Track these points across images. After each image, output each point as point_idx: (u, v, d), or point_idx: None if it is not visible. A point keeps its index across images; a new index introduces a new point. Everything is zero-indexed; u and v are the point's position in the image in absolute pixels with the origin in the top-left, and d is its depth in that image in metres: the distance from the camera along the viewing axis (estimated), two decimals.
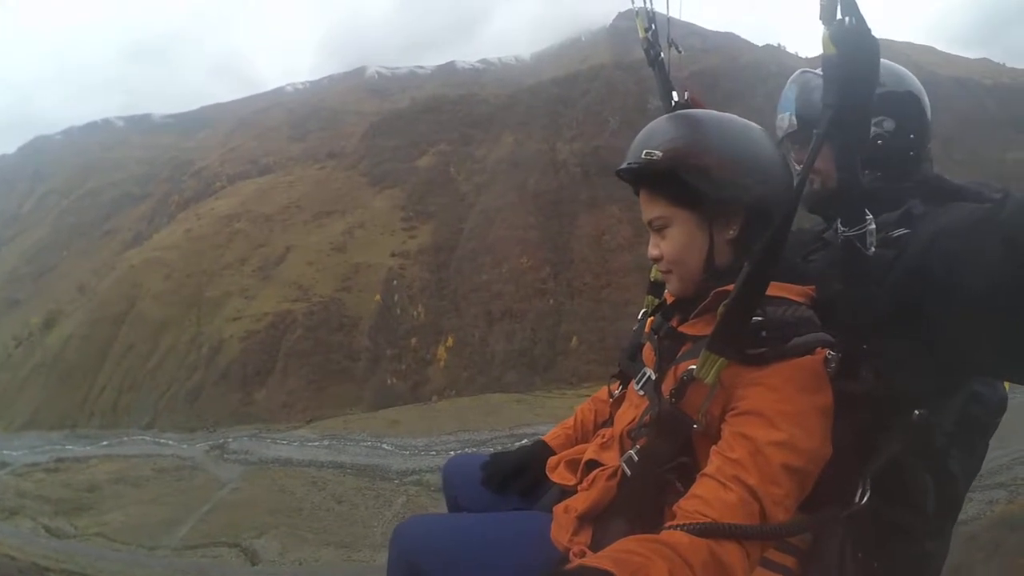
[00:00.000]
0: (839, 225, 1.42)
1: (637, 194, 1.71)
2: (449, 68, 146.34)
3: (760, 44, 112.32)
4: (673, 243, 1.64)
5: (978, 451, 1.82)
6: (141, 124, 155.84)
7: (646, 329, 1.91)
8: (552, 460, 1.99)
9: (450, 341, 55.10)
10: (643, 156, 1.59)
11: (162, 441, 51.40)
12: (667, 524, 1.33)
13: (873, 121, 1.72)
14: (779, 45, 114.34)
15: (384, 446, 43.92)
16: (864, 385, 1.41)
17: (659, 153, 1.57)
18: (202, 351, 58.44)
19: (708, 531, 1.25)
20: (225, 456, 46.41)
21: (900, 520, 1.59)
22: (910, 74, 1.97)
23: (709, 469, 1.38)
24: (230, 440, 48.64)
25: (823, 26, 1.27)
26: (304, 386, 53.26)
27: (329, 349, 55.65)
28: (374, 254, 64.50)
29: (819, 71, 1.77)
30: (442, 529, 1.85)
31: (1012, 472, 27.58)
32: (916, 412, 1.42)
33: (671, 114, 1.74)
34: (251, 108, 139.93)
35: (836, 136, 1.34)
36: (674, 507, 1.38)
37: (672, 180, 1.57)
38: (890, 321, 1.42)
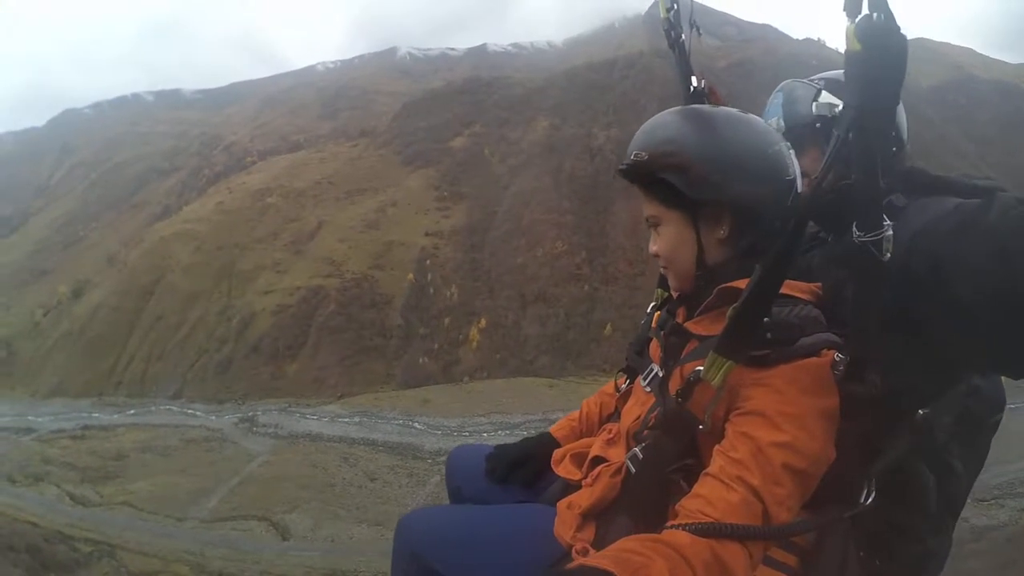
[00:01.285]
0: (855, 229, 1.36)
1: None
2: (480, 51, 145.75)
3: (799, 38, 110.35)
4: (665, 241, 1.66)
5: (979, 448, 1.79)
6: (170, 99, 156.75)
7: (653, 324, 1.89)
8: (558, 453, 1.99)
9: (483, 323, 54.27)
10: (632, 157, 1.59)
11: (190, 412, 51.17)
12: (669, 523, 1.34)
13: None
14: (819, 39, 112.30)
15: (416, 425, 43.46)
16: (870, 388, 1.39)
17: (645, 155, 1.57)
18: (232, 323, 58.13)
19: (710, 531, 1.27)
20: (254, 429, 46.07)
21: (902, 519, 1.61)
22: None
23: (712, 469, 1.39)
24: (259, 413, 48.31)
25: (847, 19, 1.22)
26: (335, 362, 52.68)
27: (361, 326, 55.07)
28: (407, 233, 63.78)
29: (807, 81, 2.04)
30: (447, 522, 1.87)
31: None
32: (920, 412, 1.46)
33: (663, 113, 1.67)
34: (280, 86, 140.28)
35: (856, 138, 1.29)
36: (676, 506, 1.40)
37: (654, 178, 1.58)
38: (891, 320, 1.40)
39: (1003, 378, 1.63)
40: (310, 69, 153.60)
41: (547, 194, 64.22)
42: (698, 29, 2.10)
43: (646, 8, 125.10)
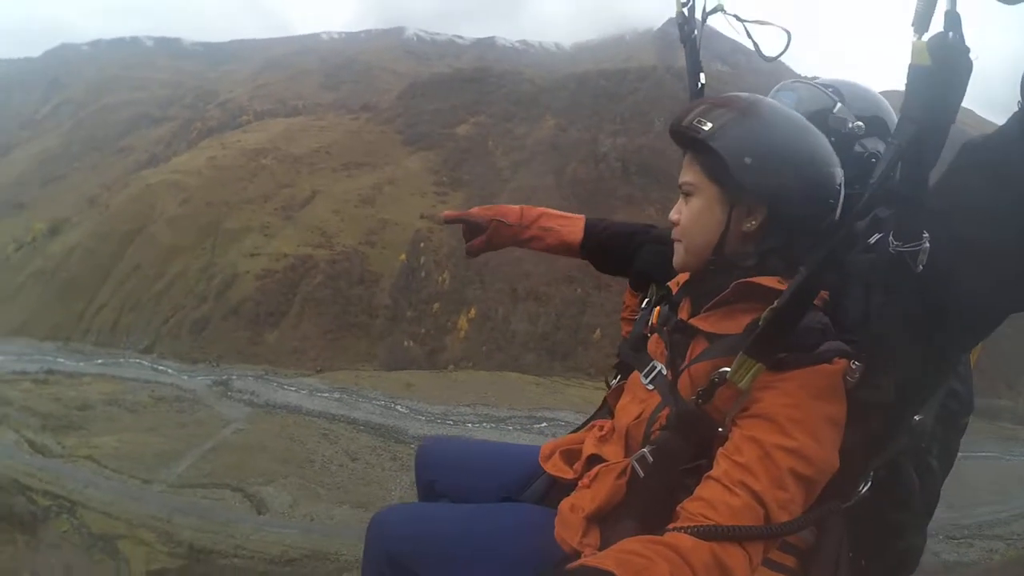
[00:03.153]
0: (892, 239, 1.36)
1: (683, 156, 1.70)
2: (488, 43, 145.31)
3: (808, 74, 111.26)
4: (692, 212, 1.65)
5: (952, 448, 1.83)
6: (169, 47, 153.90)
7: (652, 320, 1.84)
8: (546, 448, 1.96)
9: (472, 313, 53.47)
10: (694, 123, 1.58)
11: (160, 368, 49.46)
12: (670, 526, 1.35)
13: (866, 141, 1.80)
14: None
15: (399, 408, 42.43)
16: (882, 394, 1.42)
17: (708, 124, 1.56)
18: (213, 282, 56.52)
19: (711, 533, 1.27)
20: (229, 393, 44.71)
21: (892, 518, 1.64)
22: (884, 99, 2.08)
23: (715, 472, 1.39)
24: (234, 377, 46.92)
25: (913, 35, 1.23)
26: (318, 334, 51.60)
27: (348, 301, 54.02)
28: (402, 213, 62.49)
29: (816, 86, 2.06)
30: (430, 520, 1.83)
31: (1009, 527, 30.73)
32: (916, 417, 1.49)
33: (735, 93, 1.65)
34: (283, 50, 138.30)
35: (912, 152, 1.30)
36: (678, 508, 1.40)
37: (707, 149, 1.56)
38: (908, 322, 1.42)
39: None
40: (314, 37, 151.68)
41: (548, 193, 63.33)
42: (735, 16, 2.00)
43: (659, 25, 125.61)
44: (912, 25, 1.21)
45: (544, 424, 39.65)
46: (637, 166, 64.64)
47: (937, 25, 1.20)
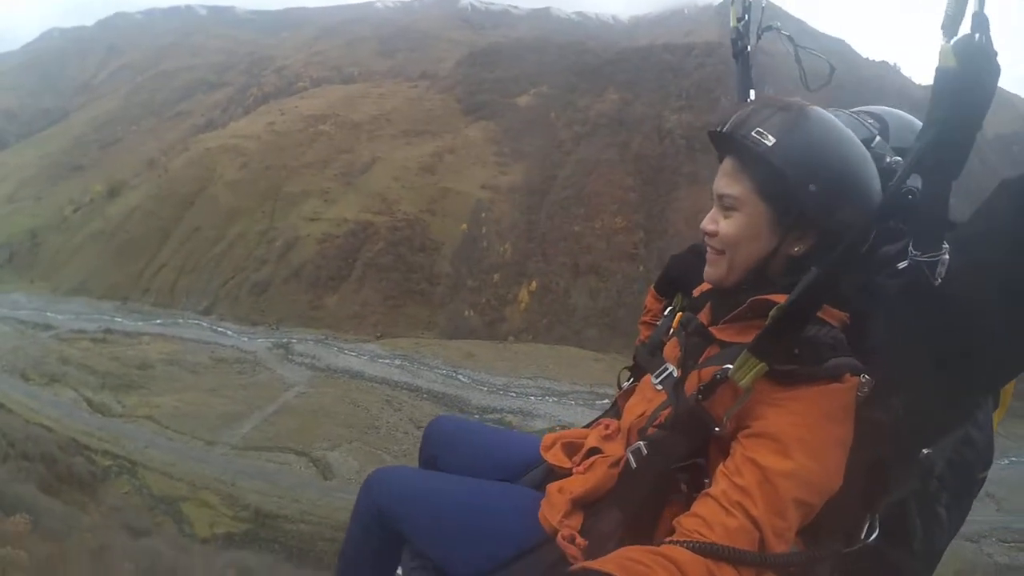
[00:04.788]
0: (911, 248, 1.35)
1: (720, 159, 1.64)
2: (544, 13, 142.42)
3: (875, 60, 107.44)
4: (737, 227, 1.57)
5: (963, 504, 1.70)
6: (223, 15, 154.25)
7: (673, 324, 1.87)
8: (548, 439, 1.98)
9: (533, 285, 52.41)
10: (752, 132, 1.50)
11: (220, 329, 49.55)
12: (666, 539, 1.34)
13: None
14: (894, 64, 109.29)
15: (460, 378, 41.91)
16: (892, 414, 1.38)
17: (772, 139, 1.48)
18: (274, 245, 56.42)
19: (707, 551, 1.26)
20: (290, 357, 44.46)
21: (889, 555, 1.56)
22: None
23: (714, 490, 1.36)
24: (294, 341, 46.76)
25: (943, 37, 1.21)
26: (378, 300, 51.21)
27: (409, 268, 53.40)
28: (463, 182, 61.51)
29: (855, 116, 1.96)
30: (423, 484, 1.87)
31: None
32: (924, 451, 1.45)
33: (795, 103, 1.58)
34: (337, 18, 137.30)
35: (934, 155, 1.27)
36: (674, 522, 1.39)
37: (768, 170, 1.49)
38: (924, 344, 1.38)
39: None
40: (369, 5, 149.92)
41: (611, 167, 61.86)
42: (788, 37, 2.01)
43: (718, 0, 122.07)
44: (941, 28, 1.19)
45: (606, 401, 38.36)
46: (703, 144, 62.06)
47: (965, 28, 1.18)
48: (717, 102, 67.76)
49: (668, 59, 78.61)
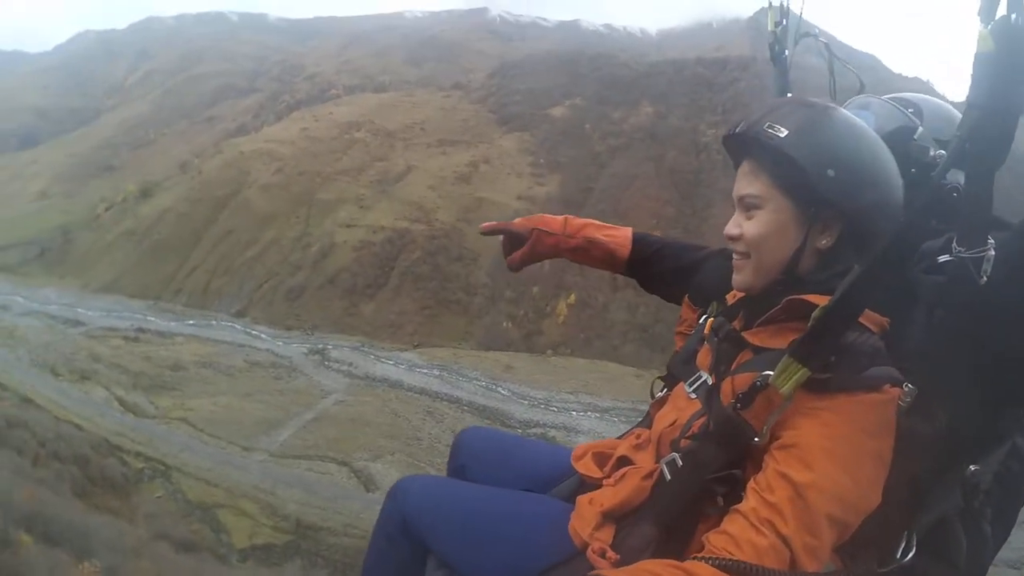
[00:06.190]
0: (955, 244, 1.29)
1: (736, 166, 1.61)
2: (573, 25, 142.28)
3: (907, 75, 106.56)
4: (761, 226, 1.51)
5: (1009, 517, 1.63)
6: (254, 22, 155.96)
7: (705, 331, 1.76)
8: (579, 449, 1.94)
9: (572, 298, 51.70)
10: (765, 127, 1.46)
11: (254, 333, 49.23)
12: (692, 555, 1.29)
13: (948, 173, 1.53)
14: (927, 81, 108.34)
15: (501, 390, 41.17)
16: (935, 425, 1.32)
17: (784, 131, 1.44)
18: (309, 251, 56.32)
19: (734, 568, 1.22)
20: (326, 363, 43.98)
21: (932, 572, 1.47)
22: None
23: (744, 507, 1.32)
24: (330, 347, 46.22)
25: (980, 23, 1.17)
26: (415, 309, 50.81)
27: (446, 278, 53.06)
28: (499, 192, 61.26)
29: (896, 105, 1.87)
30: (450, 494, 1.83)
31: None
32: (972, 468, 1.40)
33: (803, 98, 1.60)
34: (365, 27, 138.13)
35: (975, 143, 1.22)
36: (703, 538, 1.34)
37: (784, 161, 1.44)
38: (969, 350, 1.32)
39: None
40: (398, 15, 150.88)
41: (648, 181, 61.48)
42: (825, 44, 2.05)
43: (750, 13, 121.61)
44: (978, 14, 1.15)
45: None
46: None
47: (1002, 9, 1.14)
48: None
49: (702, 73, 78.61)
